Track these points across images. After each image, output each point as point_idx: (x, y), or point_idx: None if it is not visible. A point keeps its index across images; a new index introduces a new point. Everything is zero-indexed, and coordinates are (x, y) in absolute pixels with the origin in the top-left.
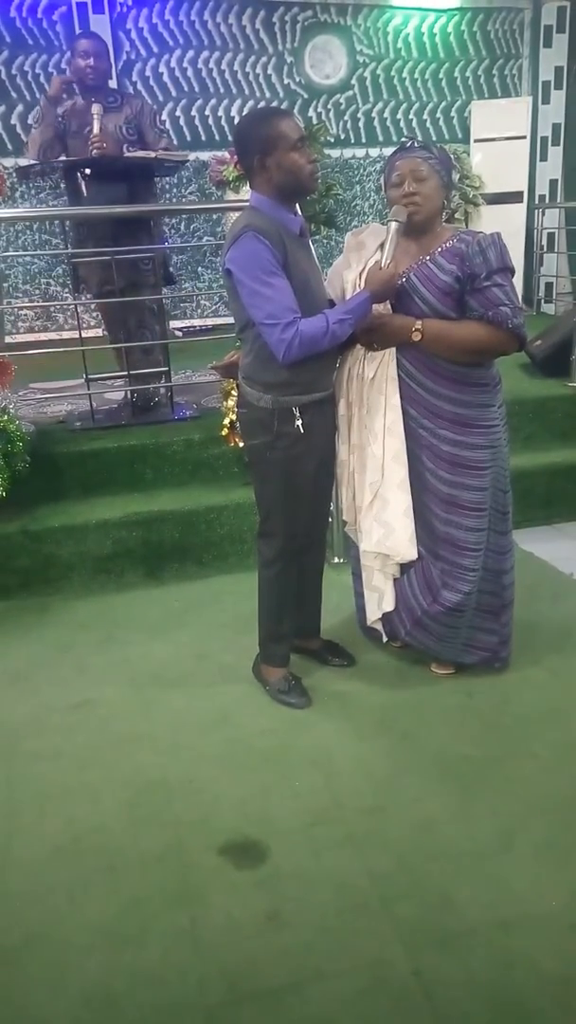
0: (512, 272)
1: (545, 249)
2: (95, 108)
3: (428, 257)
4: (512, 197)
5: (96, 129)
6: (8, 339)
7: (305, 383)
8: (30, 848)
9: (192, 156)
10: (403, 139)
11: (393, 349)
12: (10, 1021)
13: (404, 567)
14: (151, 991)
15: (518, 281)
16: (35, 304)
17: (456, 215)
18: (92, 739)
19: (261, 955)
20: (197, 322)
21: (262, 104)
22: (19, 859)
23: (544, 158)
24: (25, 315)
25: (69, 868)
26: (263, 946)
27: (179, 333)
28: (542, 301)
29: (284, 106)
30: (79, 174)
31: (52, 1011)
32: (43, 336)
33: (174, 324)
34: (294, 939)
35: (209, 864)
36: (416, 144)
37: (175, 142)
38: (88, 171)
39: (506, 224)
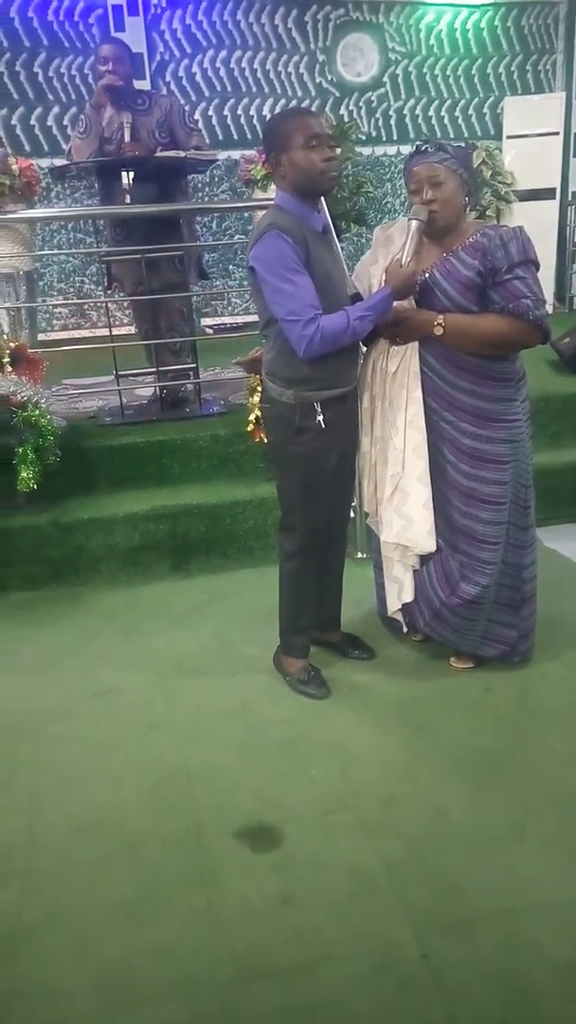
0: (536, 265)
1: None
2: (124, 117)
3: (451, 253)
4: (545, 194)
5: (127, 138)
6: (42, 336)
7: (327, 379)
8: (53, 828)
9: (224, 155)
10: (418, 142)
11: (416, 344)
12: (31, 992)
13: (424, 558)
14: (166, 967)
15: (550, 278)
16: (68, 302)
17: (488, 212)
18: (115, 725)
19: (273, 936)
20: (228, 319)
21: (294, 103)
22: (43, 838)
23: None
24: (60, 313)
25: (90, 848)
26: (275, 927)
27: (210, 331)
28: (575, 298)
29: (316, 104)
30: (124, 175)
31: (71, 983)
32: (77, 333)
33: (205, 321)
34: (306, 921)
35: (226, 847)
36: (430, 148)
37: (207, 140)
38: (129, 173)
39: (539, 221)
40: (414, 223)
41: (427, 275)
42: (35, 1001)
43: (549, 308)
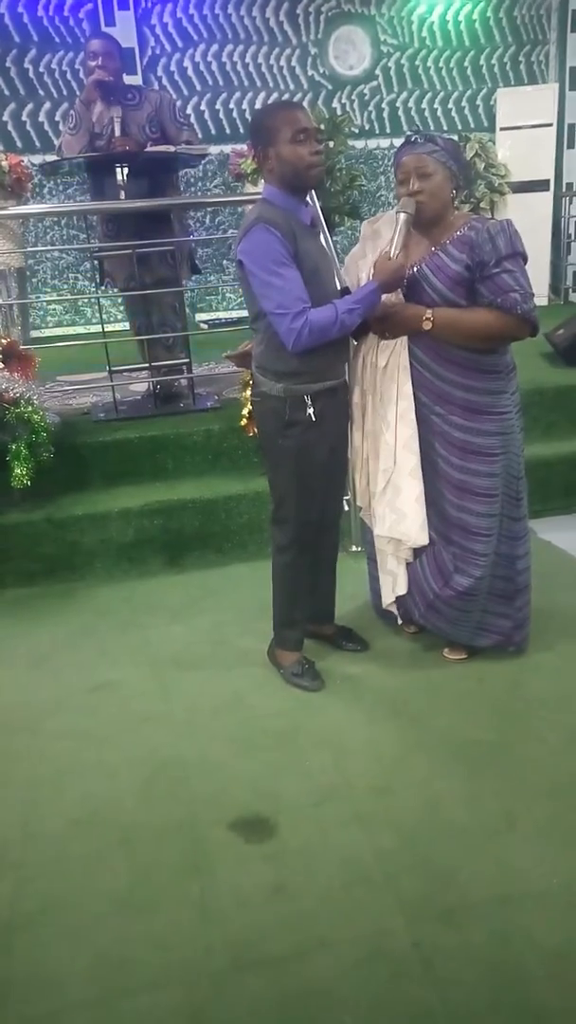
0: (524, 258)
1: (573, 238)
2: (114, 112)
3: (439, 247)
4: (539, 185)
5: (117, 133)
6: (36, 333)
7: (316, 372)
8: (49, 821)
9: (217, 149)
10: (407, 133)
11: (405, 338)
12: (27, 981)
13: (417, 551)
14: (160, 956)
15: (543, 270)
16: (61, 298)
17: (481, 204)
18: (111, 719)
19: (266, 925)
20: (222, 314)
21: (286, 96)
22: (38, 831)
23: (572, 146)
24: (54, 309)
25: (86, 840)
26: (268, 916)
27: (204, 325)
28: (570, 290)
29: (308, 98)
30: (117, 170)
31: (66, 972)
32: (71, 330)
33: (200, 316)
34: (298, 910)
35: (219, 838)
36: (419, 139)
37: (199, 134)
38: (123, 169)
39: (533, 213)
40: (402, 216)
41: (415, 269)
42: (32, 990)
43: (544, 300)
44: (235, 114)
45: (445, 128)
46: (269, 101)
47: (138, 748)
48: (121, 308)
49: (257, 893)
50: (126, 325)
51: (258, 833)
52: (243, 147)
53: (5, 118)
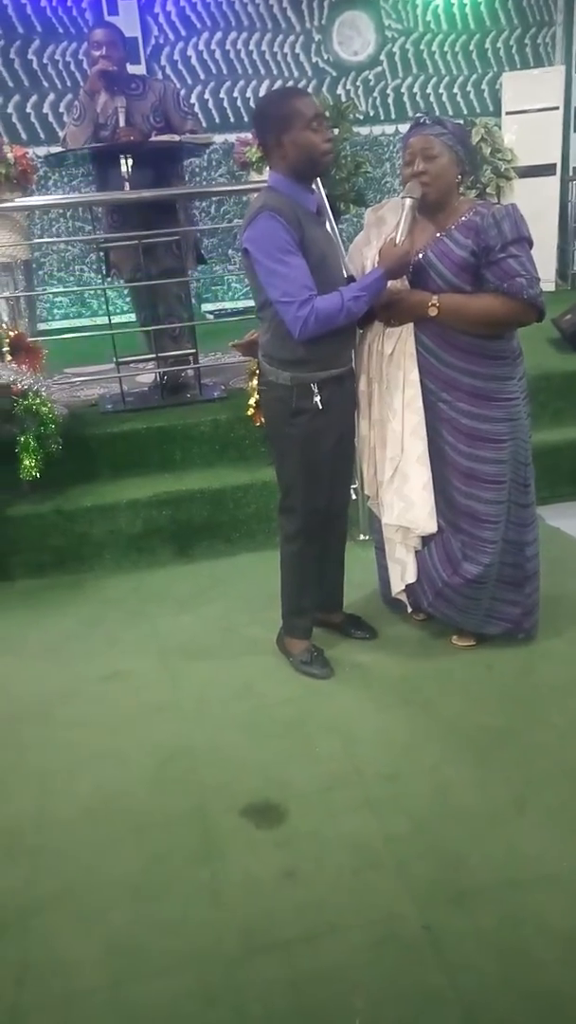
0: (530, 243)
1: None
2: (119, 102)
3: (444, 232)
4: (546, 170)
5: (122, 122)
6: (43, 325)
7: (323, 360)
8: (62, 809)
9: (221, 138)
10: (416, 115)
11: (411, 325)
12: (40, 964)
13: (425, 539)
14: (172, 941)
15: (551, 255)
16: (67, 290)
17: (488, 189)
18: (121, 708)
19: (277, 909)
20: (228, 304)
21: (290, 84)
22: (51, 819)
23: None
24: (60, 302)
25: (98, 828)
26: (279, 901)
27: (210, 316)
28: None
29: (312, 84)
30: (122, 160)
31: (79, 957)
32: (78, 322)
33: (205, 307)
34: (309, 895)
35: (230, 825)
36: (428, 120)
37: (203, 123)
38: (127, 159)
39: (540, 197)
40: (408, 201)
41: (420, 255)
42: (46, 975)
43: (551, 285)
44: (239, 102)
45: (451, 113)
46: (273, 89)
47: (149, 737)
48: (127, 299)
49: (268, 879)
50: (132, 316)
51: (268, 820)
52: (248, 135)
53: (9, 110)
